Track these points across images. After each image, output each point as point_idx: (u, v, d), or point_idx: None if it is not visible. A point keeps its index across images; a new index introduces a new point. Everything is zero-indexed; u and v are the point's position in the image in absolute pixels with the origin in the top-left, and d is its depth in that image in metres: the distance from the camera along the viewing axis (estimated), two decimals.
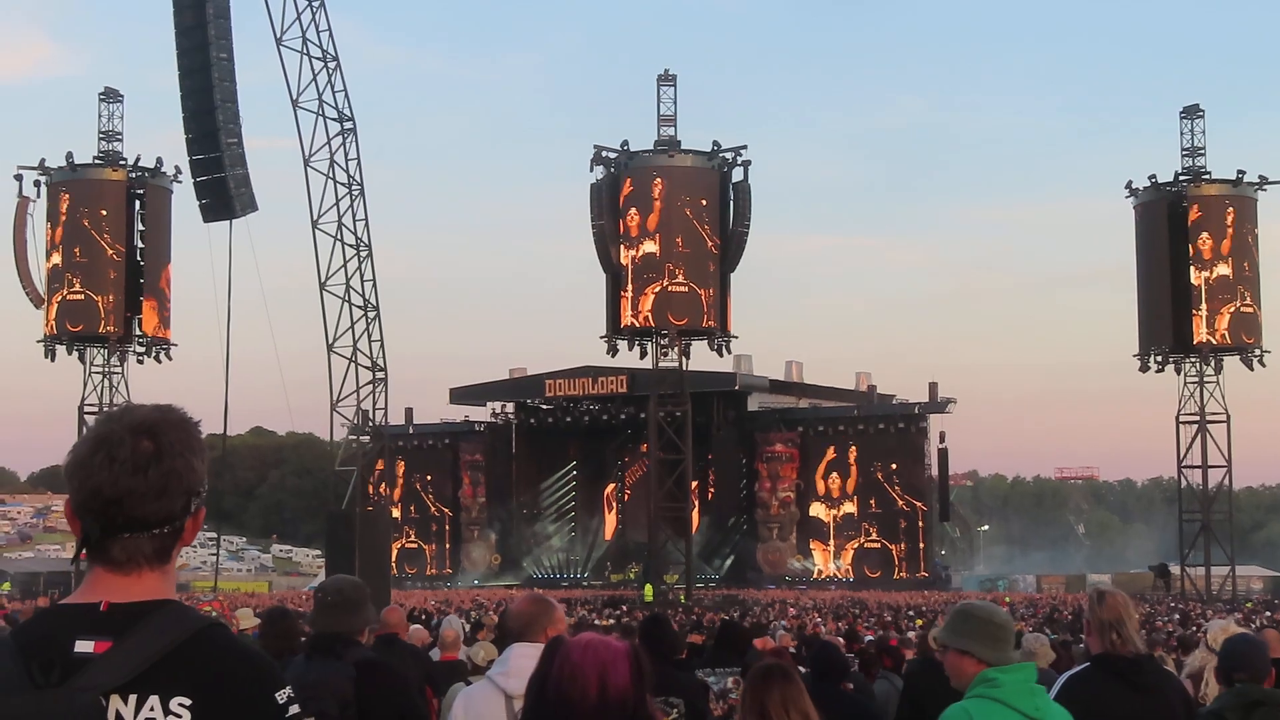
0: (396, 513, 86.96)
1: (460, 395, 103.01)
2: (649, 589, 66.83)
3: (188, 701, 2.75)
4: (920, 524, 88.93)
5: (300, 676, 6.65)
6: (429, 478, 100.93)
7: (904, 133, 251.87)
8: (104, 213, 66.47)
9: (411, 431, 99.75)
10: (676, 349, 66.68)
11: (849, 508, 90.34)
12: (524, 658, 5.51)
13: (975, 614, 5.52)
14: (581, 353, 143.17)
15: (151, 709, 2.74)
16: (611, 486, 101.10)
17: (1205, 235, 71.03)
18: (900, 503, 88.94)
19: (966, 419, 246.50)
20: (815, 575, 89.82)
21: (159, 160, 67.34)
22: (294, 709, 2.85)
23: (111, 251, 66.21)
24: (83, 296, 65.91)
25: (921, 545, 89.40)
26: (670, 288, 66.72)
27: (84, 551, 2.88)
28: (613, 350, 69.09)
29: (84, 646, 2.76)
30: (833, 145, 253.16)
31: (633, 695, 3.22)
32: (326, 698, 6.46)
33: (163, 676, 2.75)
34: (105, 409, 64.55)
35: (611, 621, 31.96)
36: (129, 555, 2.84)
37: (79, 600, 2.86)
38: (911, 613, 43.69)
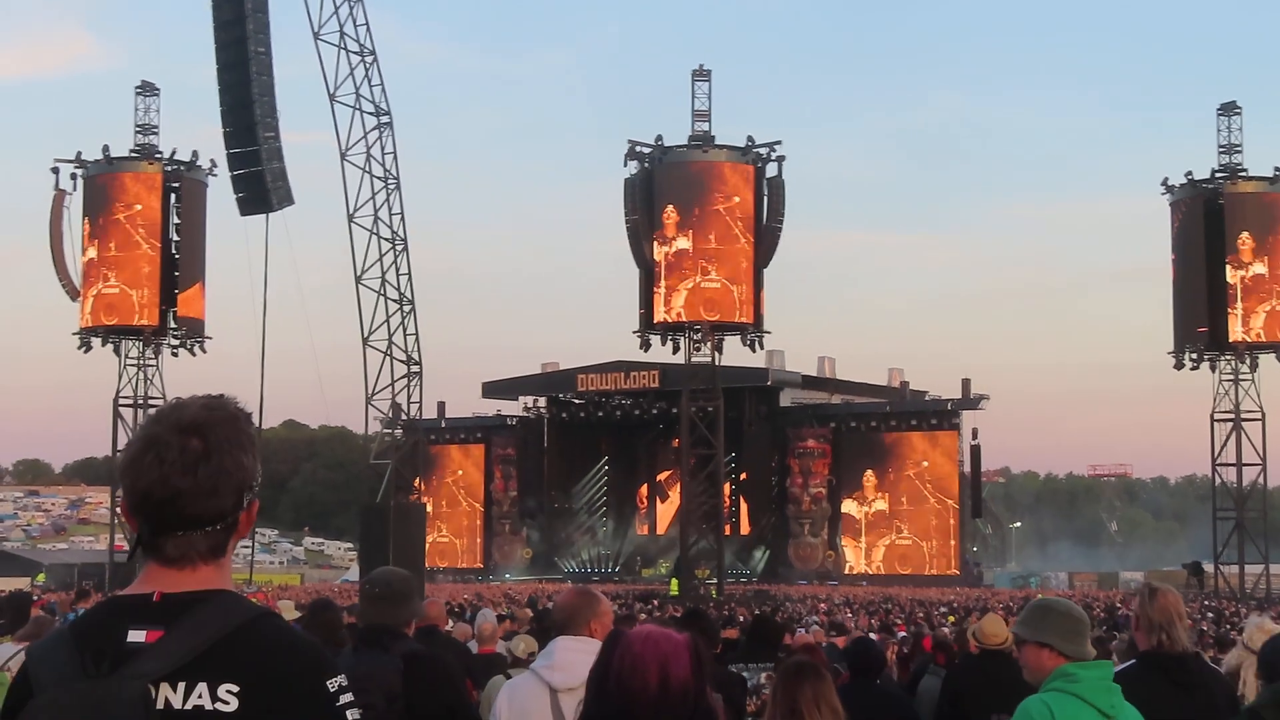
0: (429, 506, 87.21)
1: (492, 389, 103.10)
2: (674, 583, 66.79)
3: (235, 689, 2.77)
4: (951, 521, 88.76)
5: (348, 669, 6.65)
6: (460, 472, 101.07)
7: (939, 129, 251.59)
8: (139, 206, 66.68)
9: (444, 425, 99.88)
10: (709, 344, 66.53)
11: (881, 504, 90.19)
12: (568, 650, 5.52)
13: (1055, 609, 5.58)
14: (614, 347, 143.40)
15: (200, 696, 2.76)
16: (643, 482, 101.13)
17: (1242, 233, 70.69)
18: (932, 499, 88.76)
19: (999, 416, 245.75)
20: (846, 570, 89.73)
21: (194, 154, 67.55)
22: (346, 697, 2.86)
23: (146, 245, 66.41)
24: (118, 290, 66.14)
25: (953, 542, 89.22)
26: (703, 284, 66.63)
27: (139, 549, 2.91)
28: (645, 345, 69.00)
29: (136, 636, 2.80)
30: (867, 141, 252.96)
31: (694, 687, 3.23)
32: (374, 690, 6.41)
33: (212, 664, 2.77)
34: (139, 401, 65.01)
35: (644, 617, 31.97)
36: (182, 552, 2.87)
37: (134, 591, 2.89)
38: (944, 609, 43.61)
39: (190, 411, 2.91)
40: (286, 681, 2.80)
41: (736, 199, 67.23)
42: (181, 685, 2.77)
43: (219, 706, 2.77)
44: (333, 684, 2.86)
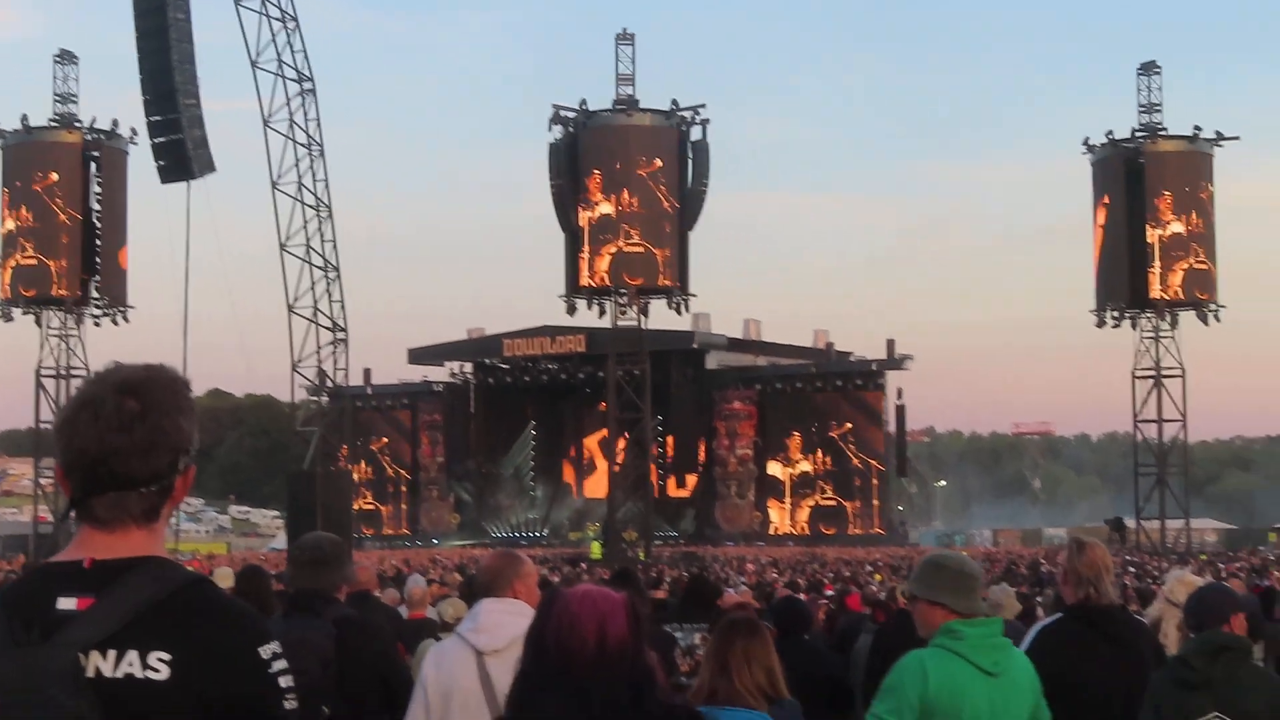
0: (355, 474, 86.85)
1: (419, 355, 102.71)
2: (596, 546, 66.96)
3: (167, 656, 2.72)
4: (874, 481, 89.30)
5: (279, 635, 6.62)
6: (387, 439, 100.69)
7: (862, 91, 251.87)
8: (58, 176, 65.87)
9: (370, 392, 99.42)
10: (635, 308, 66.59)
11: (806, 465, 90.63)
12: (493, 613, 5.49)
13: (947, 565, 5.50)
14: (540, 312, 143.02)
15: (130, 664, 2.72)
16: (571, 446, 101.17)
17: (1162, 192, 71.35)
18: (856, 460, 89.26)
19: (924, 376, 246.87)
20: (771, 532, 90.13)
21: (115, 122, 66.77)
22: (279, 664, 2.83)
23: (67, 214, 65.65)
24: (36, 261, 65.38)
25: (876, 502, 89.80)
26: (626, 248, 66.62)
27: (72, 511, 2.86)
28: (571, 309, 69.00)
29: (66, 604, 2.76)
30: (792, 104, 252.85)
31: (632, 645, 3.23)
32: (307, 656, 6.38)
33: (143, 631, 2.73)
34: (62, 372, 64.38)
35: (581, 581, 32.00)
36: (115, 514, 2.83)
37: (65, 558, 2.85)
38: (870, 567, 43.93)
39: (129, 372, 2.89)
40: (219, 649, 2.76)
41: (660, 163, 67.18)
42: (112, 653, 2.73)
43: (150, 675, 2.72)
44: (266, 651, 2.82)
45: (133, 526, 2.84)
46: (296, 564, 6.90)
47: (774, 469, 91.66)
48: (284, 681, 2.84)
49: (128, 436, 2.80)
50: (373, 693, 6.63)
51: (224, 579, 12.61)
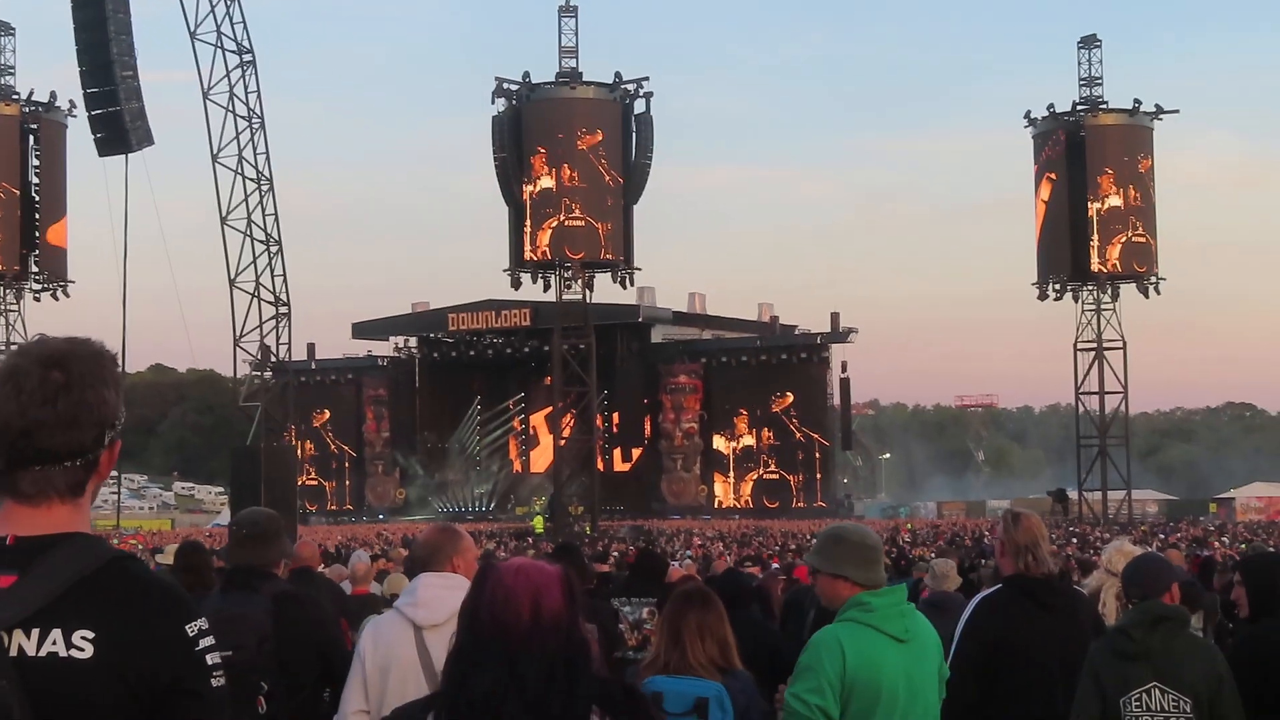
0: (300, 449, 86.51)
1: (362, 330, 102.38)
2: (539, 520, 67.01)
3: (90, 634, 2.69)
4: (817, 455, 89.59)
5: (216, 611, 6.59)
6: (330, 414, 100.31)
7: (805, 64, 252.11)
8: None
9: (314, 367, 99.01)
10: (579, 282, 66.59)
11: (749, 439, 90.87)
12: (431, 587, 5.47)
13: (847, 538, 5.48)
14: (484, 286, 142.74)
15: (54, 643, 2.68)
16: (516, 420, 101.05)
17: (1102, 165, 71.83)
18: (800, 434, 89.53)
19: (868, 348, 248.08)
20: (716, 506, 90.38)
21: (53, 94, 66.14)
22: (206, 641, 2.79)
23: (3, 189, 65.04)
24: None
25: (819, 476, 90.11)
26: (568, 221, 66.55)
27: None
28: (516, 283, 68.89)
29: None
30: (736, 77, 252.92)
31: (566, 618, 3.22)
32: (243, 632, 6.40)
33: (67, 609, 2.69)
34: (0, 349, 63.82)
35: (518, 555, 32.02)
36: (39, 488, 2.78)
37: None
38: (813, 540, 44.09)
39: (53, 345, 2.84)
40: (144, 626, 2.72)
41: (604, 136, 67.10)
42: (35, 632, 2.69)
43: (74, 654, 2.68)
44: (192, 628, 2.78)
45: (57, 501, 2.80)
46: (234, 540, 6.86)
47: (719, 443, 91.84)
48: (211, 659, 2.79)
49: (52, 410, 2.76)
50: (311, 668, 6.61)
51: (169, 556, 12.54)
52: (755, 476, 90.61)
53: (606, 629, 8.64)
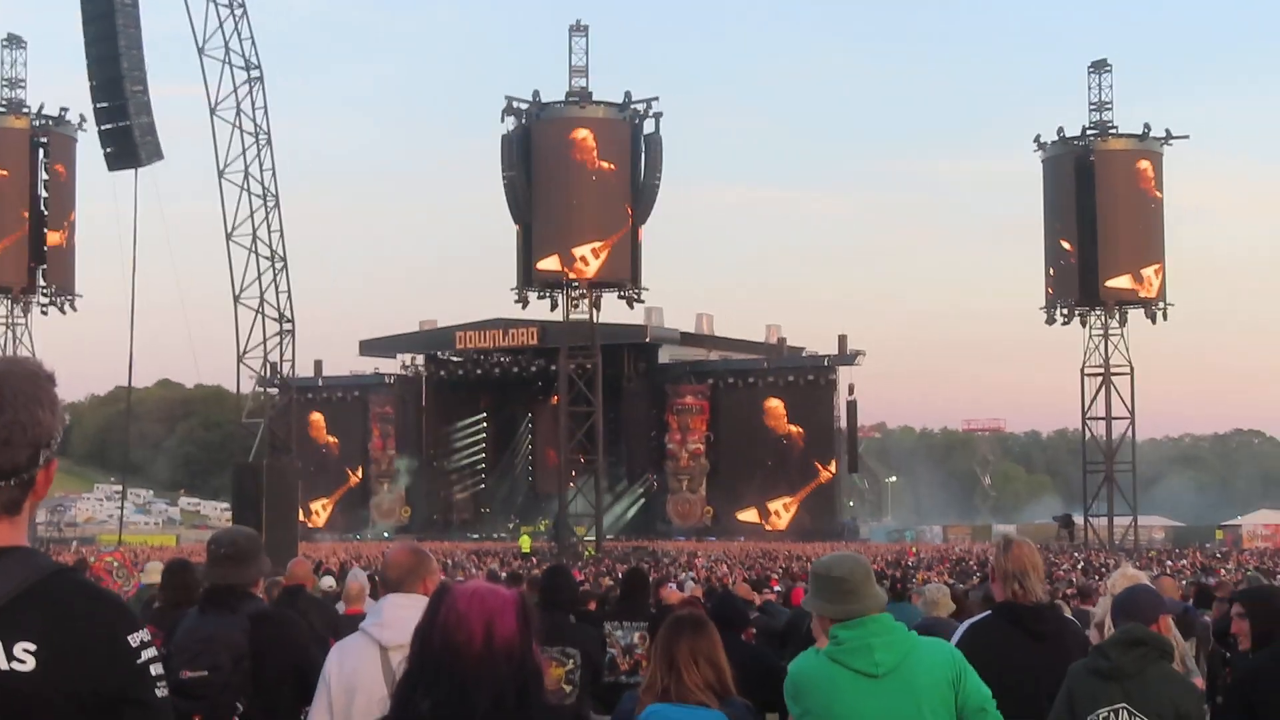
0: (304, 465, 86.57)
1: (370, 347, 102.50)
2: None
3: (32, 647, 2.68)
4: (822, 475, 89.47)
5: (193, 630, 6.57)
6: (337, 430, 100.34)
7: (816, 86, 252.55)
8: (5, 161, 65.40)
9: (321, 384, 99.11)
10: (587, 301, 66.63)
11: (758, 460, 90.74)
12: (399, 608, 5.45)
13: (818, 572, 5.37)
14: (493, 305, 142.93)
15: None
16: (523, 439, 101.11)
17: (1111, 189, 71.84)
18: (809, 455, 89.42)
19: (876, 371, 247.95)
20: (724, 526, 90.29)
21: (63, 109, 66.39)
22: (149, 653, 2.79)
23: (15, 200, 65.20)
24: None
25: (830, 497, 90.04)
26: (579, 240, 66.58)
27: None
28: (523, 302, 68.95)
29: None
30: (746, 98, 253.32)
31: (519, 643, 3.19)
32: (220, 651, 6.41)
33: (8, 622, 2.69)
34: None
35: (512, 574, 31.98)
36: None
37: None
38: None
39: None
40: (85, 638, 2.73)
41: (614, 155, 67.17)
42: None
43: (15, 666, 2.68)
44: (134, 639, 2.77)
45: None
46: (212, 559, 6.81)
47: (727, 463, 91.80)
48: (155, 669, 2.80)
49: None
50: (288, 687, 6.56)
51: (154, 572, 12.50)
52: (765, 497, 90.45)
53: (590, 657, 8.58)
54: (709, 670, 5.92)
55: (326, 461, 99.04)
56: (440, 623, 3.22)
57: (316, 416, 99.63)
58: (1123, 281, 71.69)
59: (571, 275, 65.96)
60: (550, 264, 66.10)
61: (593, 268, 66.47)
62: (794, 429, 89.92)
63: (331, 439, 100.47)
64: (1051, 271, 73.71)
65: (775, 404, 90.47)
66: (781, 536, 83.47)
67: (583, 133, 67.06)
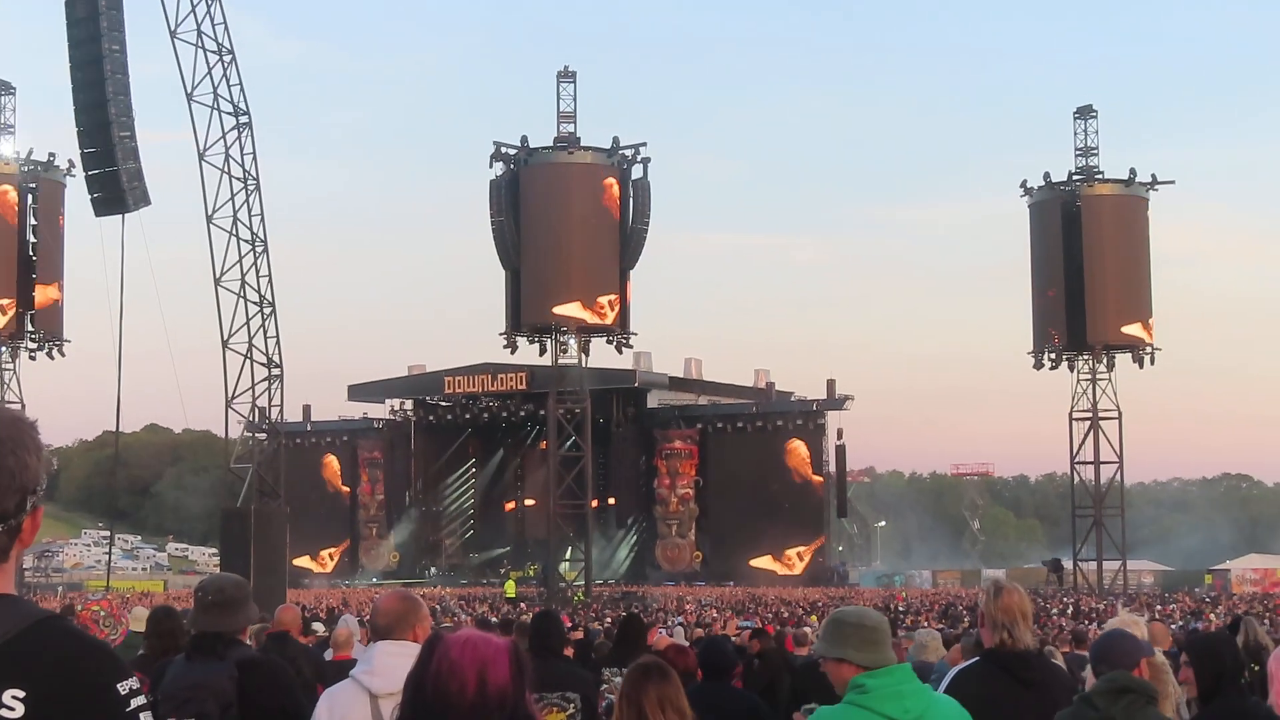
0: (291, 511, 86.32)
1: (358, 392, 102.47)
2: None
3: (21, 694, 2.67)
4: (812, 520, 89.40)
5: (180, 677, 6.54)
6: (325, 475, 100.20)
7: (804, 130, 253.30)
8: None
9: (309, 428, 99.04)
10: (576, 346, 66.62)
11: (745, 504, 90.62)
12: (389, 655, 5.45)
13: (846, 621, 5.52)
14: (481, 350, 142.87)
15: None
16: (511, 484, 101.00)
17: (1097, 235, 72.01)
18: (797, 500, 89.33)
19: (864, 416, 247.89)
20: (711, 571, 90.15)
21: (51, 154, 66.44)
22: (138, 700, 2.77)
23: (2, 246, 65.16)
24: None
25: (818, 542, 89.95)
26: (567, 286, 66.53)
27: None
28: (512, 347, 68.89)
29: None
30: (733, 143, 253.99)
31: (512, 692, 3.18)
32: (207, 699, 6.38)
33: None
34: None
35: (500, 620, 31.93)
36: None
37: None
38: (806, 609, 43.97)
39: None
40: (75, 685, 2.71)
41: (601, 201, 67.24)
42: None
43: (4, 713, 2.67)
44: (124, 687, 2.76)
45: None
46: (200, 606, 6.79)
47: (715, 507, 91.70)
48: (144, 717, 2.78)
49: None
50: None
51: (138, 620, 12.44)
52: (752, 541, 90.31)
53: (589, 700, 8.58)
54: (674, 715, 5.98)
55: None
56: (433, 671, 3.21)
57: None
58: (1109, 326, 71.81)
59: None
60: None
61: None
62: (784, 473, 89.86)
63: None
64: (1039, 316, 73.84)
65: (765, 448, 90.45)
66: (769, 581, 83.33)
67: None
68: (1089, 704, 5.65)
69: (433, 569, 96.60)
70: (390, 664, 5.35)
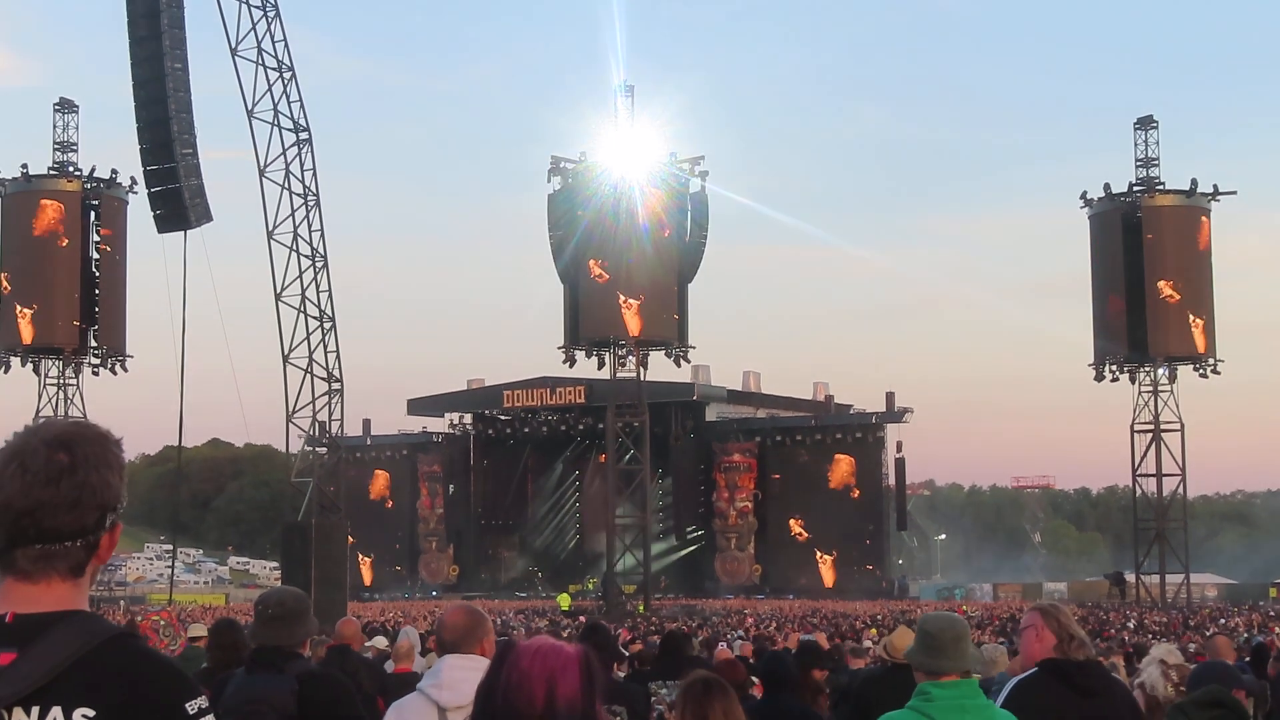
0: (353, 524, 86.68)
1: (418, 406, 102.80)
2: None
3: (91, 712, 2.69)
4: (871, 533, 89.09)
5: (241, 690, 6.56)
6: (386, 489, 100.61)
7: (863, 142, 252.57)
8: (58, 225, 65.97)
9: (369, 442, 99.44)
10: (634, 359, 66.61)
11: (807, 518, 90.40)
12: (457, 669, 5.45)
13: (922, 625, 5.59)
14: (540, 363, 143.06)
15: None
16: (570, 498, 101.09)
17: (1159, 246, 71.44)
18: (858, 513, 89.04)
19: (924, 429, 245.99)
20: (773, 584, 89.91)
21: (114, 171, 66.99)
22: (207, 719, 2.79)
23: (65, 263, 65.72)
24: (34, 310, 65.36)
25: (878, 555, 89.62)
26: (626, 299, 66.60)
27: None
28: (570, 361, 68.97)
29: None
30: (792, 155, 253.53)
31: (582, 702, 3.17)
32: (267, 712, 6.36)
33: (67, 687, 2.69)
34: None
35: (567, 634, 31.93)
36: (39, 567, 2.78)
37: None
38: (867, 622, 43.76)
39: (59, 427, 2.85)
40: (144, 704, 2.72)
41: (660, 214, 67.23)
42: (35, 709, 2.68)
43: None
44: (192, 706, 2.77)
45: (57, 580, 2.80)
46: (260, 620, 6.81)
47: (775, 520, 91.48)
48: None
49: (55, 490, 2.75)
50: None
51: (197, 630, 12.54)
52: (816, 555, 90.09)
53: (638, 713, 8.58)
54: None
55: (375, 520, 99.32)
56: (503, 682, 3.20)
57: (380, 474, 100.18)
58: (1171, 338, 71.20)
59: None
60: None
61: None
62: (843, 486, 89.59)
63: (390, 502, 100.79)
64: (1099, 327, 73.30)
65: (824, 461, 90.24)
66: (830, 594, 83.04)
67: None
68: (1182, 713, 5.66)
69: (492, 583, 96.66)
70: (458, 677, 5.37)
